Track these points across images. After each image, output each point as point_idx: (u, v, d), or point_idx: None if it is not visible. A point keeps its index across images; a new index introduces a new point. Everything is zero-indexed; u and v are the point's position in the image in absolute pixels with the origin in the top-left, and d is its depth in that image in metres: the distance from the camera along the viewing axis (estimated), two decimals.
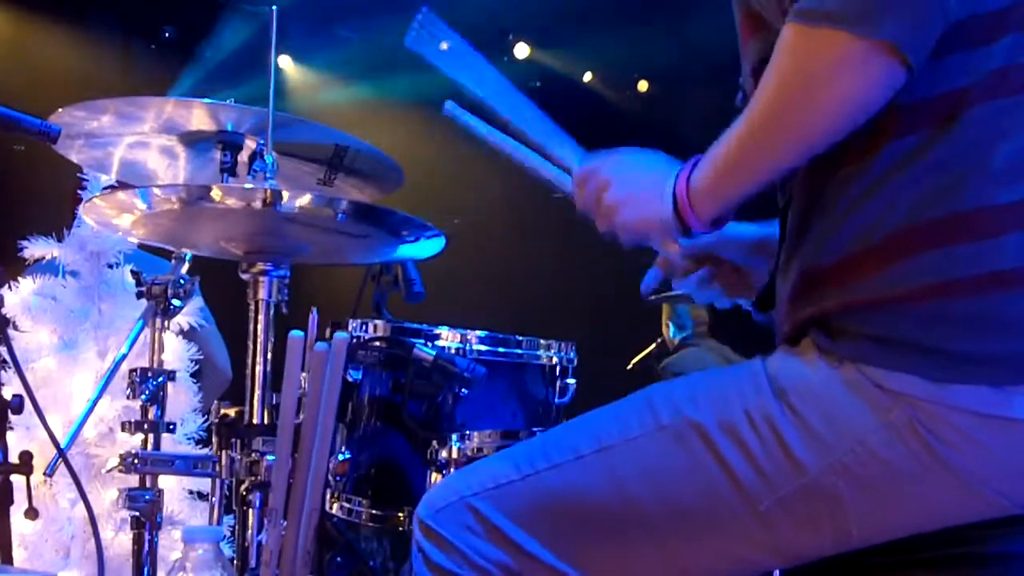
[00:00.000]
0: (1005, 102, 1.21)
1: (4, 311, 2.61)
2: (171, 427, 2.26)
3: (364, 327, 2.06)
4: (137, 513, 2.18)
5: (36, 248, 2.80)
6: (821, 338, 1.24)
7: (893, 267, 1.20)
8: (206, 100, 2.20)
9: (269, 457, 1.90)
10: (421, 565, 1.38)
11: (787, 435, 1.23)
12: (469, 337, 2.04)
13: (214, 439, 2.03)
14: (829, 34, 1.18)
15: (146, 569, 2.20)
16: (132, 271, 2.78)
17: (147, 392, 2.19)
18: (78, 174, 2.87)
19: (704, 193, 1.31)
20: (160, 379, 2.21)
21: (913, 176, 1.21)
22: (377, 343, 2.03)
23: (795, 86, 1.22)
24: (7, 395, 1.79)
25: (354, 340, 1.99)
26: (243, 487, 1.95)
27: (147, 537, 2.19)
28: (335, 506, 2.05)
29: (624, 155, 1.44)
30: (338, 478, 2.00)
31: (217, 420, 2.03)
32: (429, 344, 1.99)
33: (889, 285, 1.20)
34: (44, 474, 2.01)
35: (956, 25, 1.21)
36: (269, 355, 2.02)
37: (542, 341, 2.12)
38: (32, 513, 1.83)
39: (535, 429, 1.93)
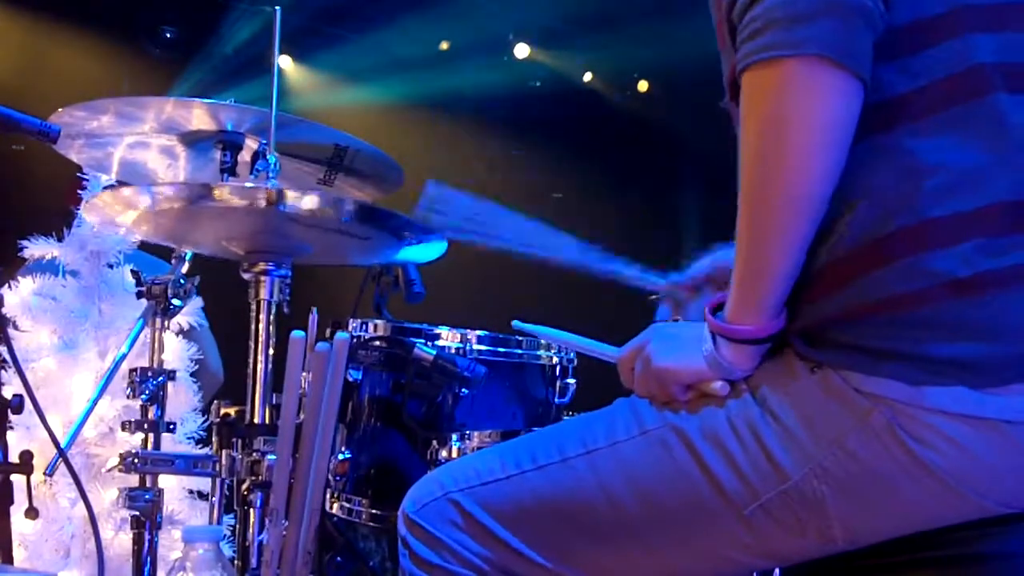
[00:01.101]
0: (958, 109, 1.21)
1: (4, 311, 2.61)
2: (171, 427, 2.26)
3: (364, 327, 2.06)
4: (137, 513, 2.18)
5: (36, 248, 2.80)
6: (800, 344, 1.25)
7: (863, 279, 1.21)
8: (206, 100, 2.20)
9: (270, 457, 1.91)
10: (407, 560, 1.39)
11: (768, 441, 1.24)
12: (469, 337, 2.04)
13: (214, 439, 2.03)
14: (767, 66, 1.17)
15: (146, 569, 2.20)
16: (132, 271, 2.78)
17: (147, 392, 2.19)
18: (78, 174, 2.87)
19: (734, 310, 1.25)
20: (160, 379, 2.22)
21: (872, 187, 1.21)
22: (377, 343, 2.03)
23: (761, 134, 1.20)
24: (7, 395, 1.79)
25: (354, 340, 1.99)
26: (244, 487, 1.95)
27: (147, 537, 2.19)
28: (335, 506, 2.06)
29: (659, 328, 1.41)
30: (338, 478, 2.00)
31: (218, 420, 2.03)
32: (429, 344, 1.99)
33: (860, 297, 1.21)
34: (44, 474, 2.02)
35: (903, 30, 1.21)
36: (271, 354, 2.03)
37: (542, 341, 2.12)
38: (32, 513, 1.83)
39: (535, 429, 1.93)
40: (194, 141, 2.28)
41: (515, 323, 1.67)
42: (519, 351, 2.10)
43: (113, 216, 2.04)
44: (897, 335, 1.19)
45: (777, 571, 1.50)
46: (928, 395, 1.18)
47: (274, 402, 2.01)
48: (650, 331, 1.37)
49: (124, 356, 2.26)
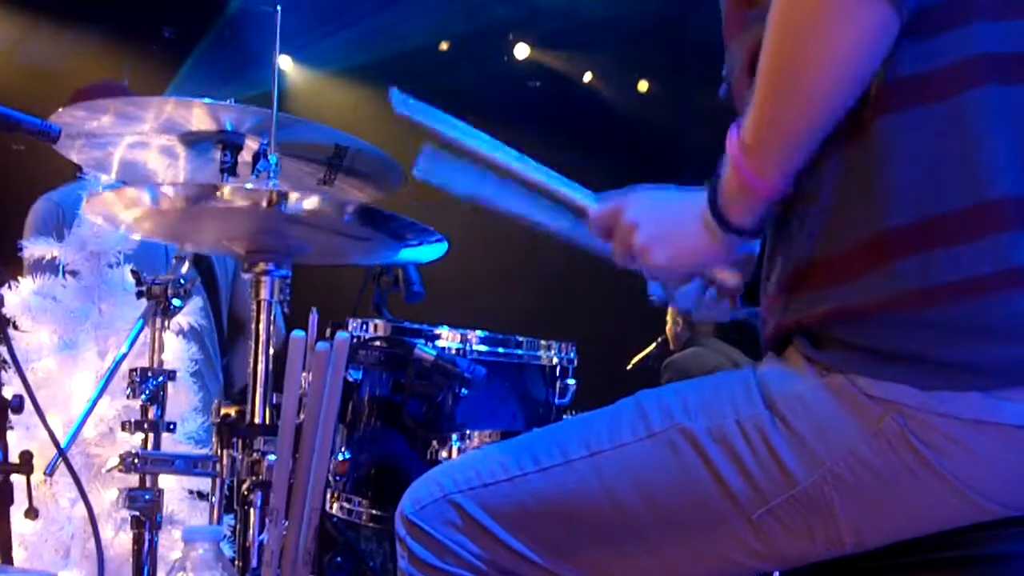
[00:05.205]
0: (993, 89, 1.17)
1: (4, 311, 2.61)
2: (171, 427, 2.26)
3: (364, 327, 2.06)
4: (137, 513, 2.18)
5: (36, 248, 2.80)
6: (807, 347, 1.23)
7: (875, 272, 1.18)
8: (206, 100, 2.20)
9: (270, 457, 1.91)
10: (406, 562, 1.37)
11: (778, 447, 1.23)
12: (469, 337, 2.04)
13: (215, 439, 2.03)
14: None
15: (146, 569, 2.20)
16: (132, 271, 2.78)
17: (147, 392, 2.19)
18: (78, 174, 2.87)
19: (736, 191, 1.26)
20: (160, 379, 2.22)
21: (898, 168, 1.18)
22: (377, 343, 2.03)
23: (787, 45, 1.18)
24: (7, 395, 1.79)
25: (354, 340, 1.99)
26: (244, 487, 1.95)
27: (147, 537, 2.19)
28: (335, 506, 2.06)
29: (642, 193, 1.40)
30: (338, 478, 2.00)
31: (218, 420, 2.03)
32: (429, 344, 1.99)
33: (872, 292, 1.18)
34: (44, 474, 2.01)
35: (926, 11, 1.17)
36: (271, 354, 2.03)
37: (542, 341, 2.12)
38: (32, 513, 1.83)
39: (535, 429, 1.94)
40: (194, 141, 2.28)
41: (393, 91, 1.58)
42: (519, 352, 2.11)
43: (115, 214, 2.04)
44: (909, 336, 1.17)
45: (776, 573, 1.50)
46: (941, 400, 1.16)
47: (274, 402, 2.00)
48: (635, 204, 1.38)
49: (124, 356, 2.25)
